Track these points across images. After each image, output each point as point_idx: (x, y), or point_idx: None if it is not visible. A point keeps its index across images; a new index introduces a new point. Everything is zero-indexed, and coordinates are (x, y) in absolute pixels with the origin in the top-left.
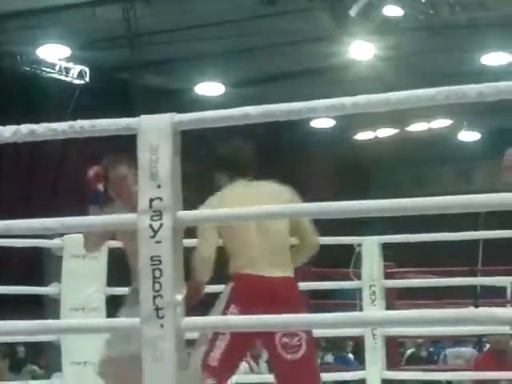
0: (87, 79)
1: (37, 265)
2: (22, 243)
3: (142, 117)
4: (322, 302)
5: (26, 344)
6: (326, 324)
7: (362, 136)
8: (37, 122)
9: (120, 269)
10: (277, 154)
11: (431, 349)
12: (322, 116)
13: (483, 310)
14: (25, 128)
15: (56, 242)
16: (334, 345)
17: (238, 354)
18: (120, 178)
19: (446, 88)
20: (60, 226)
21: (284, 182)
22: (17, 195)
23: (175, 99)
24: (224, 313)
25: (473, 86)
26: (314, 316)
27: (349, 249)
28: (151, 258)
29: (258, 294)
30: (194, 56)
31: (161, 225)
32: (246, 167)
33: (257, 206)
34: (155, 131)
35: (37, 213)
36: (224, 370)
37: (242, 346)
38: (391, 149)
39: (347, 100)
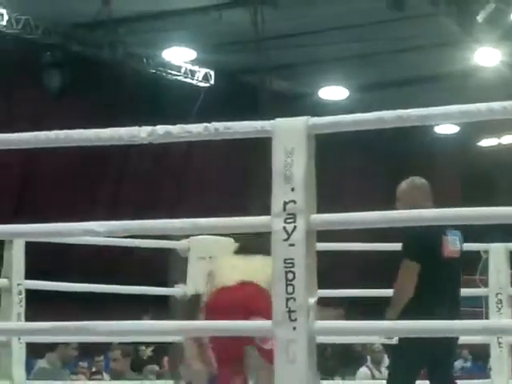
0: (212, 82)
1: (159, 266)
2: (149, 244)
3: (277, 120)
4: None
5: (148, 344)
6: (455, 330)
7: (486, 143)
8: (161, 124)
9: None
10: (406, 159)
11: None
12: (453, 122)
13: None
14: (161, 129)
15: (182, 242)
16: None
17: None
18: None
19: None
20: (193, 227)
21: None
22: (141, 196)
23: (299, 103)
24: None
25: None
26: (442, 323)
27: (473, 256)
28: (284, 260)
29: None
30: (319, 60)
31: (294, 227)
32: None
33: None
34: (290, 134)
35: (162, 214)
36: None
37: None
38: None
39: (482, 106)
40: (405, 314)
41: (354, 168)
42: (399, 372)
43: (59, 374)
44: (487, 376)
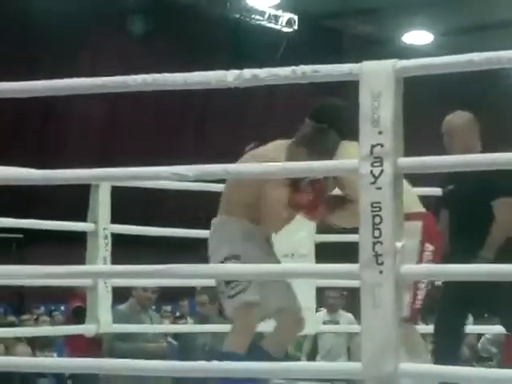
0: (295, 27)
1: None
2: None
3: (364, 63)
4: None
5: None
6: None
7: None
8: (244, 69)
9: None
10: (484, 103)
11: None
12: None
13: None
14: (247, 73)
15: None
16: None
17: None
18: None
19: None
20: (281, 170)
21: (489, 132)
22: (226, 138)
23: (383, 48)
24: (421, 253)
25: None
26: None
27: None
28: (371, 204)
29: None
30: (402, 4)
31: (381, 171)
32: None
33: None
34: (378, 77)
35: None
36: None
37: None
38: None
39: None
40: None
41: (430, 113)
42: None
43: (137, 318)
44: None
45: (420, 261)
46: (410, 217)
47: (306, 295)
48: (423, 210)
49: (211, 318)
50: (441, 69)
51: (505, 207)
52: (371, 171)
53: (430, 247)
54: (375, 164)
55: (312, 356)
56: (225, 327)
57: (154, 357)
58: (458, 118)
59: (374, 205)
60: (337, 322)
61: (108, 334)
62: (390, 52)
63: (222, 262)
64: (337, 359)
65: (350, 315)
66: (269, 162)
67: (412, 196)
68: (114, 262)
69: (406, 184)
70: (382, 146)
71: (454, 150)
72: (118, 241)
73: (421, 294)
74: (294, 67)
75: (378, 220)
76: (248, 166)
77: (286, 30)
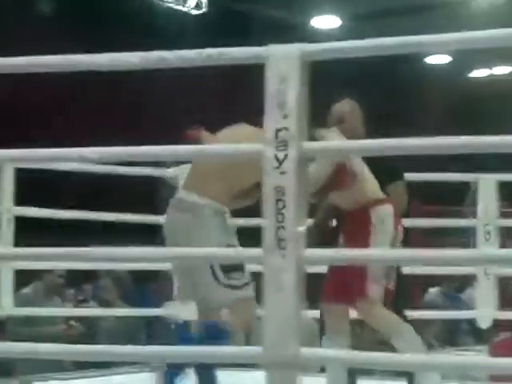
0: (204, 10)
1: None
2: (139, 172)
3: (271, 46)
4: (434, 239)
5: None
6: (441, 260)
7: (478, 73)
8: (152, 51)
9: None
10: (393, 88)
11: None
12: (447, 50)
13: None
14: (153, 55)
15: (171, 171)
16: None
17: None
18: None
19: None
20: (181, 153)
21: (400, 117)
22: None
23: (291, 32)
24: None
25: None
26: (427, 252)
27: (458, 186)
28: (275, 188)
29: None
30: None
31: (286, 155)
32: None
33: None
34: (284, 61)
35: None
36: None
37: None
38: (507, 87)
39: (463, 35)
40: None
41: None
42: None
43: (41, 302)
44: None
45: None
46: (383, 201)
47: None
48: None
49: (114, 302)
50: (347, 53)
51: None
52: (275, 155)
53: (399, 228)
54: (280, 148)
55: None
56: (128, 311)
57: (56, 340)
58: (348, 105)
59: (278, 189)
60: None
61: (11, 317)
62: (299, 36)
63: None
64: None
65: None
66: None
67: (375, 183)
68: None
69: (367, 171)
70: (286, 129)
71: (344, 136)
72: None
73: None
74: (200, 50)
75: (281, 205)
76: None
77: (194, 12)
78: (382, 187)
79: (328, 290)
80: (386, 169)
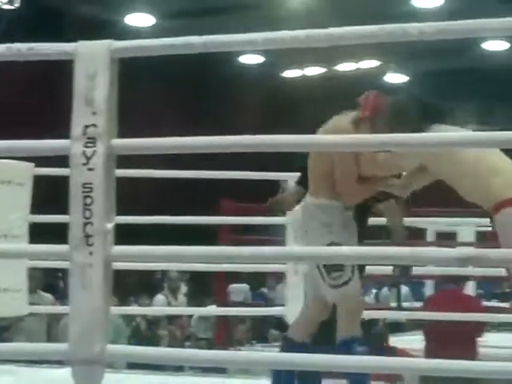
0: (17, 5)
1: None
2: None
3: (80, 42)
4: (248, 237)
5: None
6: (251, 257)
7: (290, 74)
8: None
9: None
10: (204, 87)
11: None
12: (257, 49)
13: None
14: None
15: None
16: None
17: None
18: None
19: (390, 25)
20: None
21: (210, 117)
22: None
23: (105, 29)
24: None
25: (415, 24)
26: (239, 249)
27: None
28: (83, 185)
29: None
30: None
31: (94, 152)
32: None
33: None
34: (93, 57)
35: None
36: None
37: None
38: (318, 87)
39: (286, 33)
40: None
41: (150, 96)
42: None
43: None
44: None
45: None
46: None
47: (16, 276)
48: None
49: None
50: (157, 51)
51: None
52: (84, 152)
53: None
54: (88, 145)
55: None
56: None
57: None
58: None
59: (86, 186)
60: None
61: None
62: (113, 34)
63: None
64: None
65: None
66: None
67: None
68: None
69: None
70: (95, 126)
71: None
72: None
73: None
74: (9, 44)
75: (89, 201)
76: None
77: (6, 7)
78: None
79: None
80: None
